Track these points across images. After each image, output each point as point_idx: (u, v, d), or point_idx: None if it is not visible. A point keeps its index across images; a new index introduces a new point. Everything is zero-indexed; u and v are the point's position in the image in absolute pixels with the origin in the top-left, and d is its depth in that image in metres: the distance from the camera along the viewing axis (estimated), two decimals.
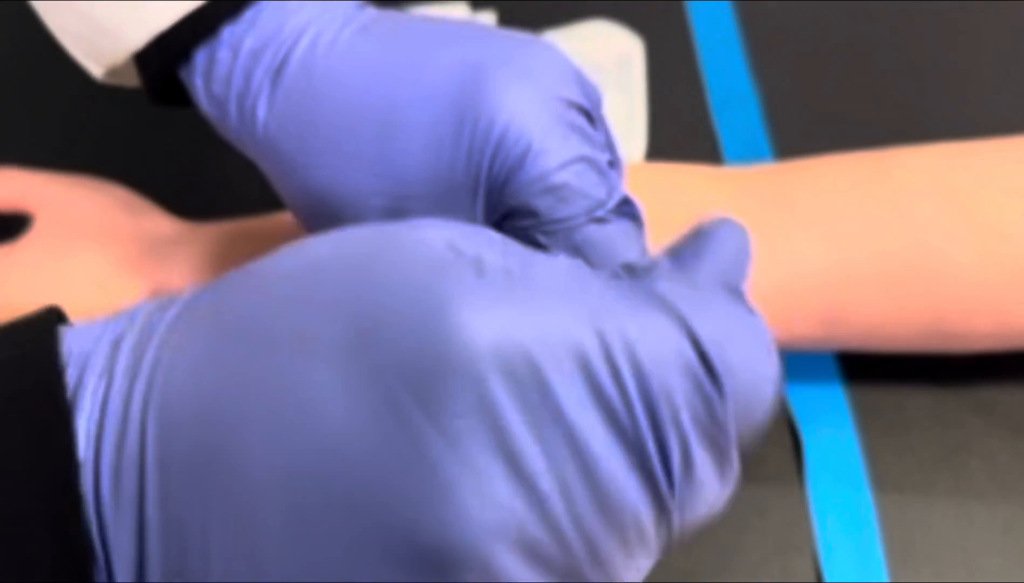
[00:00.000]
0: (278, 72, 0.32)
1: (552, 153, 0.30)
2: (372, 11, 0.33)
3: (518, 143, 0.30)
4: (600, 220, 0.31)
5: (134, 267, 0.40)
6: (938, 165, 0.40)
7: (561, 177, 0.30)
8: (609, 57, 0.52)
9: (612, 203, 0.31)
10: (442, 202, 0.31)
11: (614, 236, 0.31)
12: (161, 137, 0.49)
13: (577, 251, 0.30)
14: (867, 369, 0.43)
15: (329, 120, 0.31)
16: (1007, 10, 0.57)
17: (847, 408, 0.43)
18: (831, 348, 0.43)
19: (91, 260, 0.40)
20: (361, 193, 0.31)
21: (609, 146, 0.33)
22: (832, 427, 0.43)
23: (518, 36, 0.33)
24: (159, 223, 0.42)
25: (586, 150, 0.31)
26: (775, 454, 0.42)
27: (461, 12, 0.54)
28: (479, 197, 0.31)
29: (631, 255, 0.31)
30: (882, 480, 0.41)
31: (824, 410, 0.43)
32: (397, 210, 0.31)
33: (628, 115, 0.50)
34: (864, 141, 0.42)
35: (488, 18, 0.54)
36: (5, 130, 0.52)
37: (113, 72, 0.35)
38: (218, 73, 0.32)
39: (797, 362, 0.44)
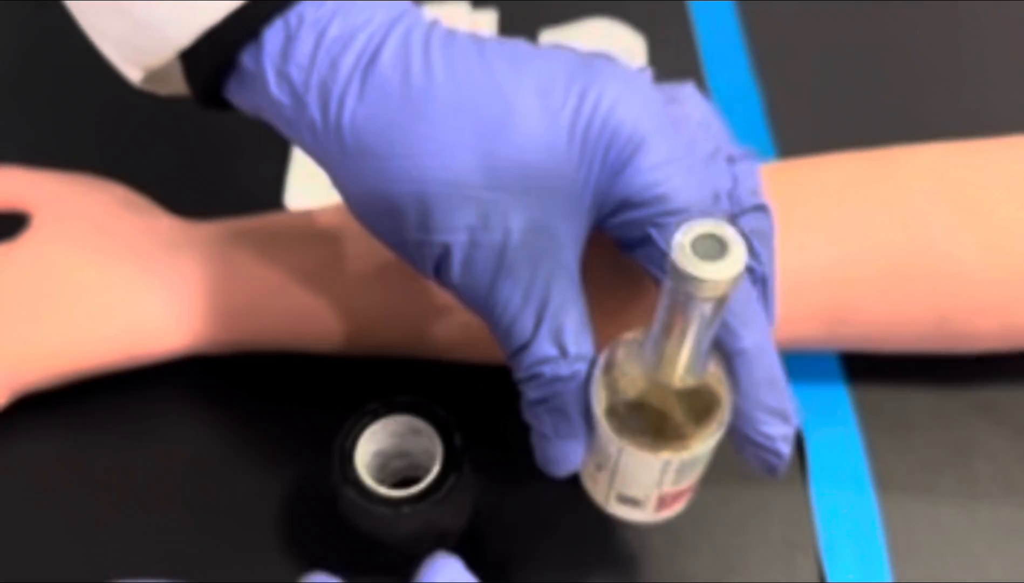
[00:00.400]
0: (371, 62, 0.31)
1: (665, 147, 0.31)
2: (442, 21, 0.33)
3: (633, 136, 0.31)
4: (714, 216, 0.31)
5: (134, 265, 0.40)
6: (941, 163, 0.40)
7: (671, 170, 0.31)
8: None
9: (725, 205, 0.32)
10: (549, 193, 0.31)
11: None
12: (164, 137, 0.49)
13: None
14: (870, 370, 0.43)
15: (431, 114, 0.31)
16: (1007, 10, 0.57)
17: (850, 408, 0.43)
18: (835, 348, 0.42)
19: (89, 260, 0.40)
20: (461, 183, 0.31)
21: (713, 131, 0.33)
22: (835, 427, 0.42)
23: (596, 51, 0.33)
24: (159, 221, 0.42)
25: (692, 147, 0.32)
26: None
27: (462, 11, 0.54)
28: (588, 189, 0.31)
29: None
30: (885, 480, 0.41)
31: (827, 411, 0.43)
32: (493, 203, 0.31)
33: None
34: (866, 140, 0.42)
35: (489, 16, 0.54)
36: (4, 129, 0.52)
37: (151, 77, 0.34)
38: (298, 56, 0.31)
39: (801, 363, 0.44)
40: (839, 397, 0.43)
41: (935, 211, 0.38)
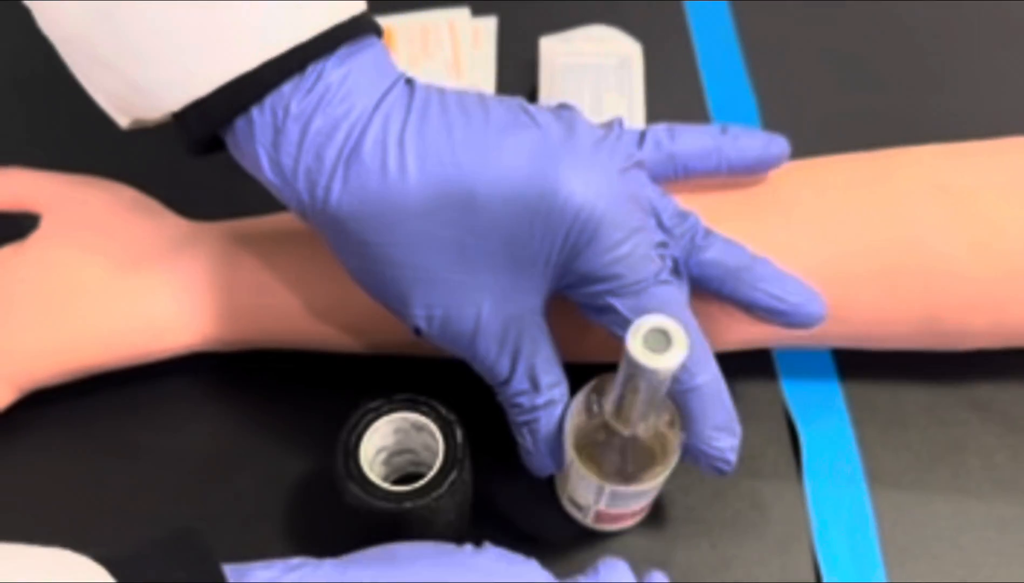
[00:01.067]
0: (352, 154, 0.33)
1: (621, 227, 0.34)
2: (421, 88, 0.35)
3: (590, 221, 0.34)
4: (665, 282, 0.35)
5: (141, 265, 0.41)
6: (934, 165, 0.41)
7: (627, 248, 0.34)
8: (608, 61, 0.53)
9: (670, 264, 0.36)
10: (513, 269, 0.35)
11: (670, 297, 0.35)
12: (173, 140, 0.49)
13: (642, 310, 0.34)
14: (863, 367, 0.44)
15: (406, 205, 0.34)
16: (1001, 13, 0.57)
17: (844, 406, 0.43)
18: (829, 345, 0.43)
19: (99, 260, 0.41)
20: (435, 269, 0.34)
21: (658, 198, 0.37)
22: (829, 424, 0.43)
23: (561, 113, 0.36)
24: (167, 222, 0.43)
25: (644, 219, 0.35)
26: (773, 452, 0.42)
27: (462, 17, 0.55)
28: (550, 263, 0.35)
29: (683, 318, 0.35)
30: (879, 477, 0.42)
31: (821, 407, 0.43)
32: (463, 284, 0.35)
33: (627, 117, 0.51)
34: (860, 142, 0.43)
35: (489, 23, 0.55)
36: (13, 132, 0.53)
37: (139, 121, 0.36)
38: (286, 145, 0.33)
39: (794, 359, 0.45)
40: (833, 394, 0.44)
41: (928, 211, 0.39)
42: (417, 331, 0.36)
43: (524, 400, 0.36)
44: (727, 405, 0.36)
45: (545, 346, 0.36)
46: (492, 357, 0.36)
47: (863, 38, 0.56)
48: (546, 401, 0.36)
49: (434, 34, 0.54)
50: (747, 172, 0.39)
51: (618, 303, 0.35)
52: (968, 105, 0.53)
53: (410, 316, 0.36)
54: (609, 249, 0.34)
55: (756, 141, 0.39)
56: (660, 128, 0.38)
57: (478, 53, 0.54)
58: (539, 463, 0.38)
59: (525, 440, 0.37)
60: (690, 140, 0.38)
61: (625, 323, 0.34)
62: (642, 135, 0.38)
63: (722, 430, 0.35)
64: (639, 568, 0.39)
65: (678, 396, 0.35)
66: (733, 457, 0.36)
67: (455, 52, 0.54)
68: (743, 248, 0.37)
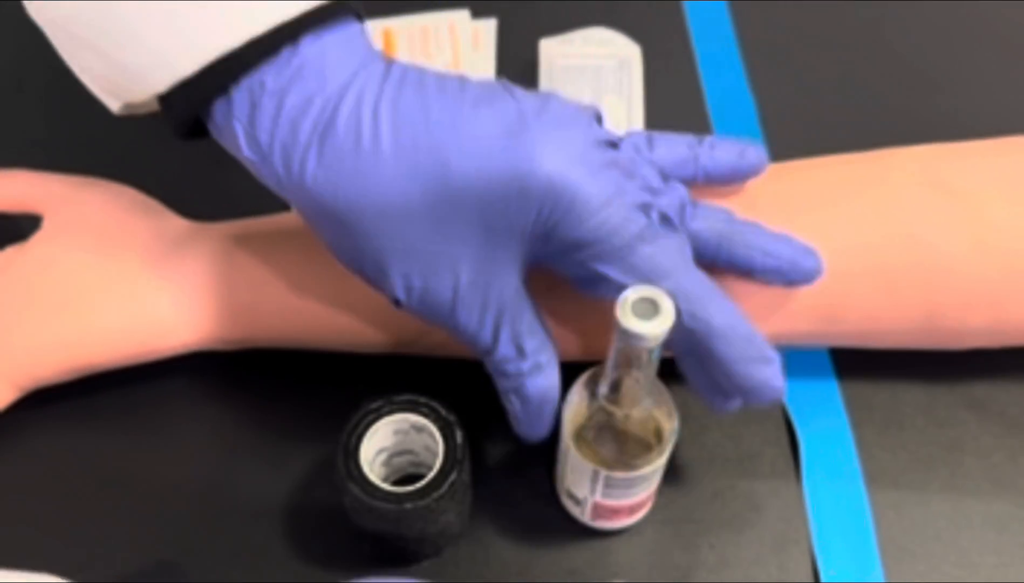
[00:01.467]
0: (327, 127, 0.33)
1: (597, 193, 0.34)
2: (398, 65, 0.35)
3: (566, 189, 0.34)
4: (653, 238, 0.35)
5: (142, 265, 0.41)
6: (932, 164, 0.41)
7: (607, 212, 0.34)
8: (608, 62, 0.53)
9: (656, 219, 0.35)
10: (490, 238, 0.35)
11: (664, 251, 0.35)
12: (173, 140, 0.49)
13: (634, 270, 0.34)
14: (861, 367, 0.44)
15: (381, 176, 0.33)
16: (998, 14, 0.58)
17: (842, 405, 0.44)
18: (828, 344, 0.43)
19: (100, 260, 0.41)
20: (411, 239, 0.34)
21: (639, 166, 0.36)
22: (827, 424, 0.43)
23: (539, 93, 0.36)
24: (167, 222, 0.43)
25: (623, 182, 0.35)
26: (771, 452, 0.43)
27: (463, 18, 0.55)
28: (527, 234, 0.35)
29: (681, 267, 0.35)
30: (877, 477, 0.42)
31: (819, 407, 0.44)
32: (440, 254, 0.35)
33: (626, 118, 0.51)
34: (859, 143, 0.43)
35: (489, 25, 0.55)
36: (14, 133, 0.53)
37: (129, 105, 0.36)
38: (262, 121, 0.34)
39: (792, 359, 0.44)
40: (831, 395, 0.44)
41: (926, 210, 0.39)
42: (397, 302, 0.36)
43: (511, 367, 0.36)
44: (752, 337, 0.35)
45: (527, 311, 0.36)
46: (474, 326, 0.36)
47: (861, 39, 0.57)
48: (532, 365, 0.36)
49: (434, 36, 0.55)
50: (723, 181, 0.39)
51: (607, 269, 0.34)
52: (967, 106, 0.53)
53: (389, 287, 0.36)
54: (587, 216, 0.34)
55: (731, 150, 0.39)
56: (639, 135, 0.38)
57: (478, 55, 0.54)
58: (528, 429, 0.38)
59: (514, 406, 0.37)
60: (667, 149, 0.38)
61: (620, 289, 0.34)
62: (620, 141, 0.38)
63: (755, 361, 0.35)
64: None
65: (703, 347, 0.35)
66: (779, 382, 0.36)
67: (455, 54, 0.54)
68: (730, 213, 0.37)
